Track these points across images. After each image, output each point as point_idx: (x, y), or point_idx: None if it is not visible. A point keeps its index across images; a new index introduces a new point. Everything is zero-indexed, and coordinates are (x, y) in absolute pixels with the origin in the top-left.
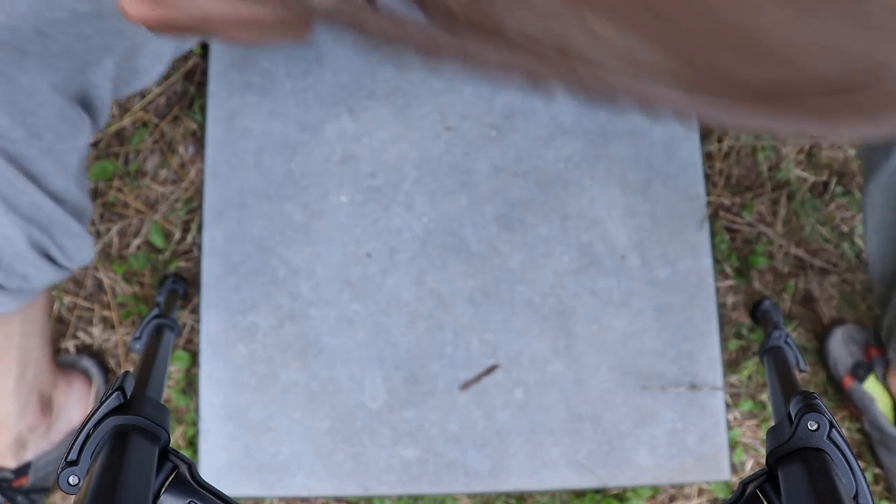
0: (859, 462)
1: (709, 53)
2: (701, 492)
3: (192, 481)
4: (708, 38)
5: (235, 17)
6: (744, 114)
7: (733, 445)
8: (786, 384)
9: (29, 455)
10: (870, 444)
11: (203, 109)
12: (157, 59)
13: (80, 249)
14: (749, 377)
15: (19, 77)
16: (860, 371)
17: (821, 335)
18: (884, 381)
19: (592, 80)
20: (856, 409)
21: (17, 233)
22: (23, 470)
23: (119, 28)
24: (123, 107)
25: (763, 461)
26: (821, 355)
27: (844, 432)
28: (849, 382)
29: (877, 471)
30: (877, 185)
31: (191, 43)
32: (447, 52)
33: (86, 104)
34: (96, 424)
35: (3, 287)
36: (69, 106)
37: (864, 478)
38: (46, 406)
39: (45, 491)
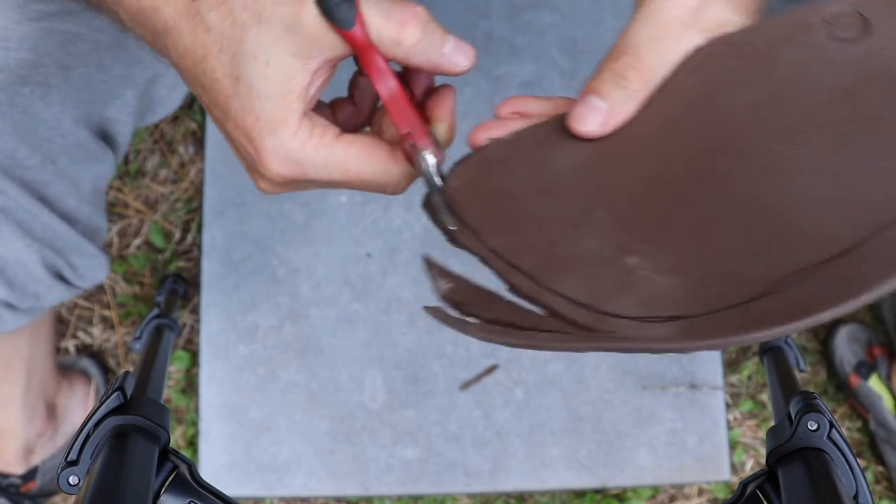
0: (859, 462)
1: (723, 261)
2: (701, 492)
3: (192, 481)
4: (730, 243)
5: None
6: (736, 334)
7: (733, 445)
8: (786, 384)
9: (36, 460)
10: (873, 443)
11: (203, 109)
12: (174, 87)
13: (93, 269)
14: (749, 377)
15: (41, 111)
16: (863, 370)
17: (822, 335)
18: (887, 381)
19: (615, 346)
20: (861, 408)
21: (33, 256)
22: (30, 475)
23: (139, 57)
24: None
25: (763, 461)
26: (825, 354)
27: (844, 432)
28: (855, 380)
29: (879, 469)
30: None
31: None
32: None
33: (107, 138)
34: (96, 424)
35: (16, 307)
36: (91, 139)
37: (865, 478)
38: (52, 411)
39: (53, 494)
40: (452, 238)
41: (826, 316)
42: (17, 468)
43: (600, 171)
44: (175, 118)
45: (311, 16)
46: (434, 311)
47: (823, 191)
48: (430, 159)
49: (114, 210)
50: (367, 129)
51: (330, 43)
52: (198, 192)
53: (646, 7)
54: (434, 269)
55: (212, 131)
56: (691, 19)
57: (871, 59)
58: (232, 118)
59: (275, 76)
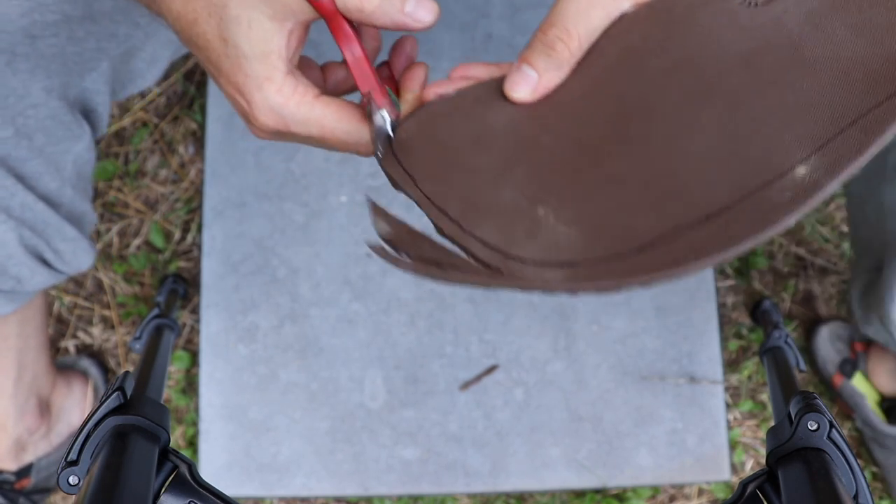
0: (859, 461)
1: (619, 215)
2: (701, 492)
3: (192, 481)
4: (624, 198)
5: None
6: (614, 279)
7: (733, 445)
8: (786, 384)
9: (29, 457)
10: (863, 441)
11: (203, 109)
12: (153, 62)
13: (77, 254)
14: (749, 377)
15: (8, 79)
16: (847, 368)
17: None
18: (869, 376)
19: (515, 285)
20: (847, 407)
21: (9, 234)
22: (24, 472)
23: (113, 31)
24: (123, 107)
25: (763, 461)
26: (808, 355)
27: (844, 432)
28: (838, 380)
29: (875, 469)
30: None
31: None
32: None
33: (85, 111)
34: (96, 424)
35: None
36: (65, 111)
37: (864, 477)
38: (45, 408)
39: (48, 492)
40: (394, 182)
41: (693, 268)
42: (10, 464)
43: (527, 129)
44: (175, 118)
45: None
46: (376, 249)
47: (714, 153)
48: (387, 116)
49: (114, 210)
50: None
51: (301, 8)
52: (198, 192)
53: None
54: (376, 211)
55: (212, 131)
56: None
57: (775, 27)
58: (224, 75)
59: (256, 37)
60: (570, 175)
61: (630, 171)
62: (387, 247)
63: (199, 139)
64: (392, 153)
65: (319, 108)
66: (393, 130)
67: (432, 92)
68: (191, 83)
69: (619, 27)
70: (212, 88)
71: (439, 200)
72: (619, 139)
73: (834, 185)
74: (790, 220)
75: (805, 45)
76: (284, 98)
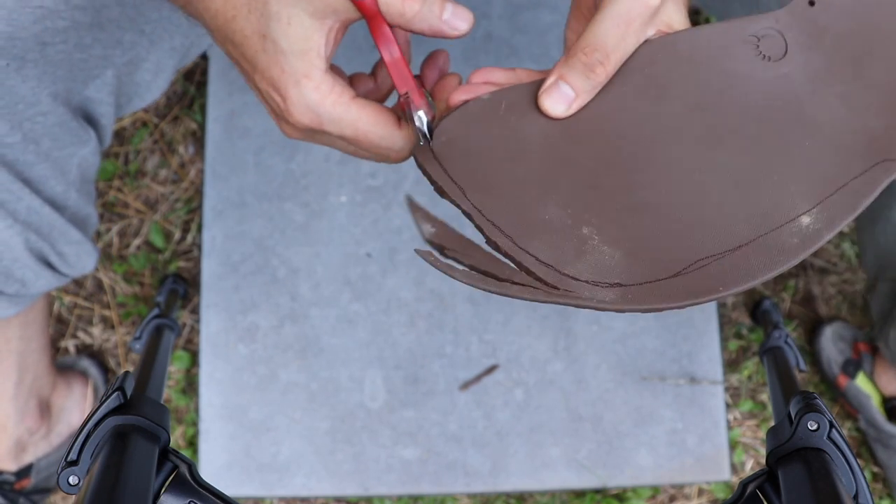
0: (859, 461)
1: (654, 239)
2: (701, 492)
3: (192, 481)
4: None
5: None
6: (658, 303)
7: (733, 445)
8: (786, 384)
9: (28, 458)
10: (866, 442)
11: (203, 109)
12: (158, 72)
13: (81, 257)
14: (749, 377)
15: (18, 85)
16: (850, 368)
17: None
18: (871, 377)
19: (572, 303)
20: (851, 408)
21: (15, 238)
22: (24, 472)
23: (119, 39)
24: None
25: (763, 461)
26: (812, 355)
27: (844, 432)
28: (843, 381)
29: (875, 469)
30: None
31: (193, 57)
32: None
33: (89, 119)
34: (96, 424)
35: (1, 292)
36: (71, 118)
37: (865, 477)
38: (45, 409)
39: (48, 492)
40: (441, 191)
41: (720, 296)
42: (10, 464)
43: (561, 144)
44: (175, 118)
45: None
46: (425, 255)
47: (731, 193)
48: (424, 117)
49: (114, 210)
50: None
51: (343, 7)
52: (198, 192)
53: (612, 3)
54: (418, 212)
55: (212, 131)
56: (650, 17)
57: (785, 83)
58: (260, 70)
59: (296, 34)
60: (606, 196)
61: (658, 198)
62: (435, 252)
63: (199, 139)
64: (435, 158)
65: (356, 109)
66: (430, 131)
67: (459, 98)
68: (191, 83)
69: (644, 56)
70: (212, 88)
71: (490, 213)
72: (647, 165)
73: (830, 236)
74: (795, 262)
75: (806, 106)
76: (321, 96)
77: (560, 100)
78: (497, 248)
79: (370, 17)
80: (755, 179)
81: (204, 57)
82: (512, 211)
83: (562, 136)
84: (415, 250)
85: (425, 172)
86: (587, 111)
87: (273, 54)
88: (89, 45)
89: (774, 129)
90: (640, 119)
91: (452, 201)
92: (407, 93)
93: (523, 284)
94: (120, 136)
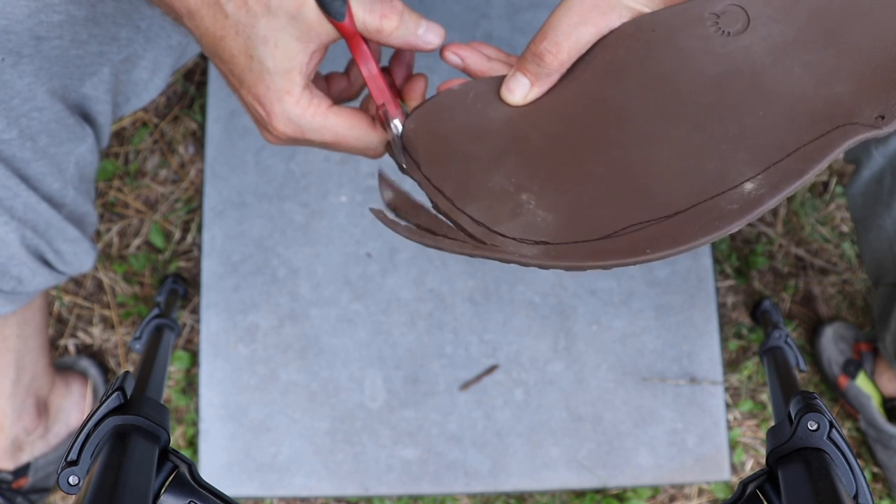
0: (859, 462)
1: (590, 207)
2: (701, 492)
3: (192, 481)
4: (599, 197)
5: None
6: (580, 261)
7: (733, 445)
8: (786, 384)
9: (26, 457)
10: (866, 442)
11: (203, 109)
12: (155, 70)
13: (79, 256)
14: (749, 377)
15: (14, 80)
16: (851, 368)
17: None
18: (872, 377)
19: (496, 256)
20: (851, 408)
21: (11, 235)
22: (21, 471)
23: (115, 35)
24: None
25: (763, 461)
26: (813, 355)
27: (844, 432)
28: (843, 381)
29: (875, 469)
30: (857, 188)
31: (190, 56)
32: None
33: (86, 117)
34: (96, 424)
35: None
36: (68, 115)
37: (864, 477)
38: (43, 408)
39: (45, 491)
40: (402, 168)
41: (645, 258)
42: (6, 463)
43: (520, 126)
44: (175, 118)
45: (311, 8)
46: (376, 212)
47: (677, 163)
48: (398, 125)
49: (114, 210)
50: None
51: (325, 30)
52: (198, 192)
53: None
54: (384, 181)
55: (212, 131)
56: (609, 6)
57: (743, 56)
58: (246, 87)
59: (281, 55)
60: (554, 169)
61: (605, 172)
62: (387, 211)
63: (199, 139)
64: (401, 142)
65: (332, 117)
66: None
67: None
68: (191, 83)
69: (608, 41)
70: (212, 88)
71: (437, 181)
72: (598, 142)
73: (775, 202)
74: (734, 227)
75: (765, 76)
76: (301, 109)
77: (516, 87)
78: (438, 209)
79: (349, 37)
80: (702, 150)
81: (203, 56)
82: (457, 179)
83: (521, 120)
84: (369, 208)
85: (391, 154)
86: (549, 99)
87: (259, 73)
88: (85, 40)
89: (727, 101)
90: (596, 102)
91: (409, 174)
92: (384, 103)
93: (455, 239)
94: (120, 135)
